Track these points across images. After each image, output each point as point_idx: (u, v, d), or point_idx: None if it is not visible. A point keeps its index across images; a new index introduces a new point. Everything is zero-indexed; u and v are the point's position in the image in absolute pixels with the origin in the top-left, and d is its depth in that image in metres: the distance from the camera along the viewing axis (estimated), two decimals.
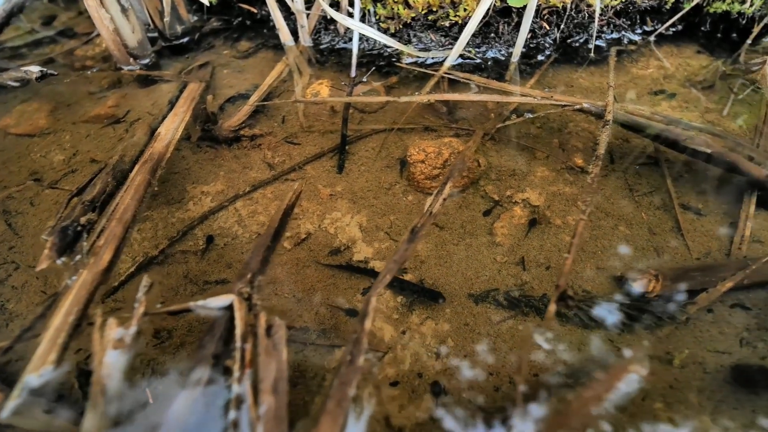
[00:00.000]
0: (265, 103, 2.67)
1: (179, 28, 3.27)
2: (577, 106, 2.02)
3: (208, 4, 3.02)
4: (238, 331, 1.26)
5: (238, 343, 1.23)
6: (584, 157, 2.30)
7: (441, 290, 1.89)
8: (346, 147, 2.42)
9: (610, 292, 1.86)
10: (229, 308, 1.34)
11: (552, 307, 1.51)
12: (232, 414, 1.15)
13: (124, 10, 2.82)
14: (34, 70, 2.94)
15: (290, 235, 2.08)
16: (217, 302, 1.37)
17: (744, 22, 2.98)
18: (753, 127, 2.41)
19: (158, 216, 2.16)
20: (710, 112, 2.53)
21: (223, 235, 2.10)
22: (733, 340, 1.72)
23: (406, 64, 2.90)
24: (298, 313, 1.84)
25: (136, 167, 2.12)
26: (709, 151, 1.90)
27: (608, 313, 1.79)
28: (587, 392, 1.30)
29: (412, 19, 2.83)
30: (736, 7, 2.86)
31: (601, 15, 2.99)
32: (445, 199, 1.86)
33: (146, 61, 3.11)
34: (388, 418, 1.57)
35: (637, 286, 1.80)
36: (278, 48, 3.19)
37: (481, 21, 2.76)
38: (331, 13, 2.55)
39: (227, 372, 1.21)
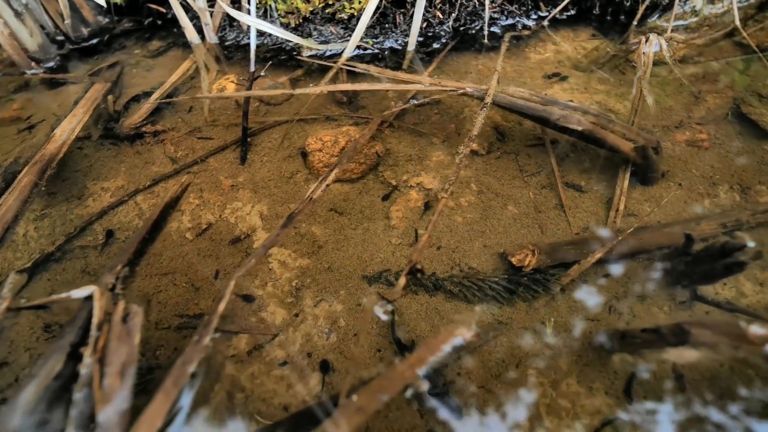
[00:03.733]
0: (170, 100, 2.68)
1: (85, 30, 3.22)
2: (461, 91, 2.11)
3: (104, 5, 2.98)
4: (95, 319, 1.31)
5: (93, 331, 1.28)
6: (479, 140, 2.41)
7: (336, 273, 1.96)
8: (250, 139, 2.46)
9: (494, 267, 1.97)
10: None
11: (402, 281, 1.60)
12: (78, 396, 1.21)
13: (18, 14, 2.78)
14: None
15: (191, 227, 2.12)
16: (79, 293, 1.41)
17: (629, 3, 3.14)
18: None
19: (56, 213, 2.17)
20: (599, 93, 2.68)
21: (123, 228, 2.12)
22: (603, 308, 1.86)
23: (307, 57, 2.95)
24: (195, 301, 1.90)
25: (25, 168, 2.12)
26: (579, 128, 2.03)
27: (490, 287, 1.90)
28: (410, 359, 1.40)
29: (311, 12, 2.88)
30: None
31: (492, 2, 3.09)
32: (328, 185, 1.93)
33: (51, 64, 3.07)
34: (274, 397, 1.65)
35: (515, 261, 1.91)
36: (188, 47, 3.19)
37: (375, 12, 2.82)
38: (228, 9, 2.58)
39: (80, 358, 1.26)
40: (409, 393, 1.63)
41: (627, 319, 1.83)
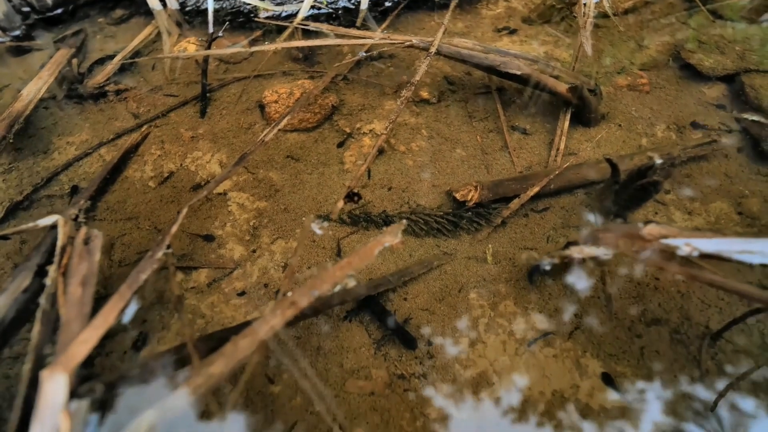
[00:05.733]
0: (132, 60, 2.77)
1: (49, 0, 3.26)
2: (407, 43, 2.22)
3: None
4: (59, 242, 1.43)
5: (57, 250, 1.40)
6: (429, 90, 2.52)
7: (292, 213, 2.08)
8: (210, 95, 2.55)
9: (440, 204, 2.10)
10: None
11: (339, 203, 1.72)
12: (44, 302, 1.33)
13: None
14: None
15: (154, 175, 2.23)
16: (44, 222, 1.53)
17: None
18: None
19: (24, 166, 2.26)
20: (546, 44, 2.79)
21: (88, 179, 2.22)
22: (541, 238, 2.00)
23: (264, 18, 3.03)
24: (157, 241, 2.00)
25: None
26: (519, 72, 2.15)
27: (436, 222, 2.03)
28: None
29: None
30: None
31: None
32: (280, 129, 2.04)
33: (16, 33, 3.12)
34: (233, 322, 1.78)
35: (459, 197, 2.04)
36: (150, 14, 3.26)
37: None
38: None
39: (46, 274, 1.38)
40: (356, 317, 1.77)
41: (562, 247, 1.96)
